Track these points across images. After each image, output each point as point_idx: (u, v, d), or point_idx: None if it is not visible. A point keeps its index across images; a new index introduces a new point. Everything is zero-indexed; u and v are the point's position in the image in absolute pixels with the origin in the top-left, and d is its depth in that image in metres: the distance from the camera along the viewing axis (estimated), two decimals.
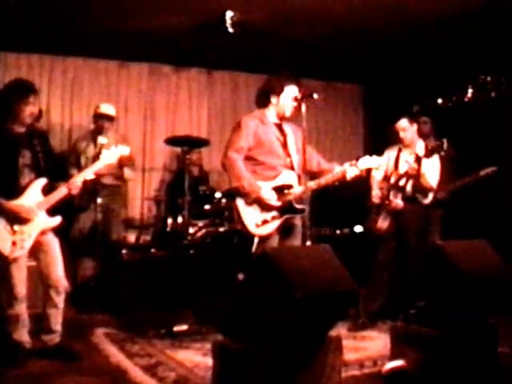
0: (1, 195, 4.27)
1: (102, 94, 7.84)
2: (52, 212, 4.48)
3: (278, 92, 4.86)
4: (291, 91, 4.85)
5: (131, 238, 7.59)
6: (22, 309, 4.36)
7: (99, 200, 6.34)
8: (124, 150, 4.71)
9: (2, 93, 4.53)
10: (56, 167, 4.64)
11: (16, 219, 4.30)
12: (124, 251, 6.65)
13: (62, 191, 4.44)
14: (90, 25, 6.41)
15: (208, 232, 6.43)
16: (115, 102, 7.71)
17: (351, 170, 4.80)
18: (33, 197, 4.37)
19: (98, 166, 4.62)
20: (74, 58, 7.73)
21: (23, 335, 4.37)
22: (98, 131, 6.71)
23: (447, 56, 7.15)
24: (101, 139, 6.40)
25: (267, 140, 4.84)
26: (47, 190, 4.44)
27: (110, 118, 6.78)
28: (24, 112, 4.38)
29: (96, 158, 6.04)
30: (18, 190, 4.34)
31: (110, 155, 4.65)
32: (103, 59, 7.88)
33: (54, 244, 4.52)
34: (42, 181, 4.43)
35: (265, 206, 4.71)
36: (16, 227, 4.30)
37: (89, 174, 4.60)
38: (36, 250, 4.42)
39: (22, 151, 4.41)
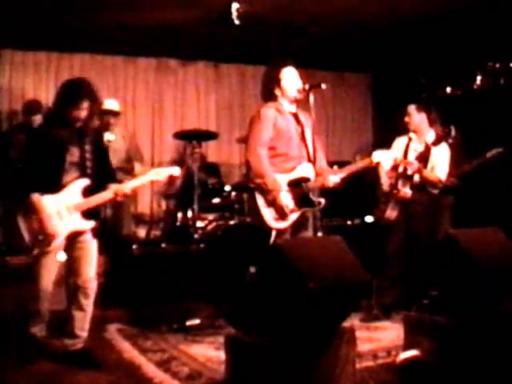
0: (39, 191, 4.12)
1: (110, 89, 7.81)
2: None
3: (278, 81, 4.71)
4: (289, 72, 4.72)
5: (141, 233, 7.60)
6: (44, 305, 4.25)
7: None
8: (174, 171, 4.52)
9: (59, 92, 4.33)
10: (106, 169, 4.45)
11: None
12: (134, 246, 6.64)
13: (107, 195, 4.26)
14: (96, 20, 6.41)
15: (218, 225, 6.41)
16: (123, 97, 7.72)
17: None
18: (70, 196, 4.18)
19: (144, 180, 4.46)
20: (81, 55, 7.74)
21: (40, 329, 4.28)
22: (104, 128, 6.64)
23: (456, 44, 7.09)
24: (107, 136, 6.34)
25: (286, 131, 4.68)
26: (88, 192, 4.23)
27: (114, 114, 6.74)
28: (71, 114, 4.19)
29: None
30: (58, 188, 4.17)
31: (159, 173, 4.46)
32: (110, 55, 7.90)
33: (91, 243, 4.35)
34: (84, 181, 4.22)
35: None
36: None
37: (136, 184, 4.44)
38: (71, 246, 4.26)
39: (71, 149, 4.22)
